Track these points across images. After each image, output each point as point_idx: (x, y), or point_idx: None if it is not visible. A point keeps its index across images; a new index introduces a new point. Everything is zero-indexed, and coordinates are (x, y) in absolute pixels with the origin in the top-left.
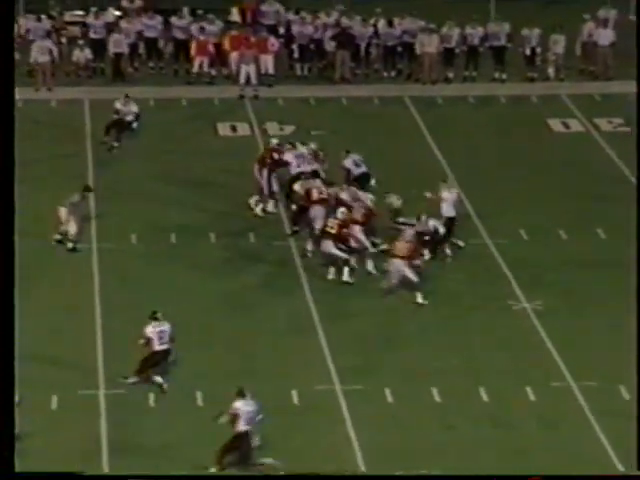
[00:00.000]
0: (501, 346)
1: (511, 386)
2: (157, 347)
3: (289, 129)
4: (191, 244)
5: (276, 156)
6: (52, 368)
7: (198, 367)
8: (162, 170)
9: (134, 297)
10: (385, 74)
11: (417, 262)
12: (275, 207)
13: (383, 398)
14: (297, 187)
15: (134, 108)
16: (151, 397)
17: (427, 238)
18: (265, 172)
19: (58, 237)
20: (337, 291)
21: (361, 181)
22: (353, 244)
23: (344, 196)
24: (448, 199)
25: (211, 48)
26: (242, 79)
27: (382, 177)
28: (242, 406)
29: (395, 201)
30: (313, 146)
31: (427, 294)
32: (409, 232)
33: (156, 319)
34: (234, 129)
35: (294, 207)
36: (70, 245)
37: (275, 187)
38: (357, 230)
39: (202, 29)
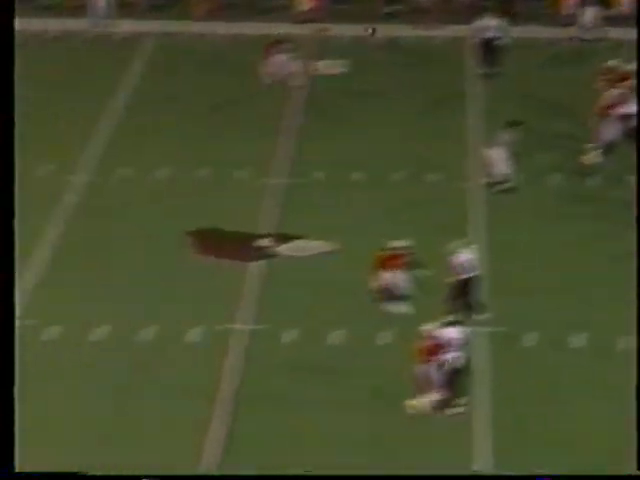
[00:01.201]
0: None
1: None
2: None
3: None
4: (534, 187)
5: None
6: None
7: (524, 317)
8: (523, 106)
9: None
10: None
11: None
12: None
13: None
14: None
15: (493, 22)
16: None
17: None
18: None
19: (490, 180)
20: None
21: None
22: None
23: None
24: None
25: None
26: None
27: None
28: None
29: None
30: (613, 62)
31: None
32: None
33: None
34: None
35: None
36: (507, 185)
37: (610, 136)
38: None
39: None
